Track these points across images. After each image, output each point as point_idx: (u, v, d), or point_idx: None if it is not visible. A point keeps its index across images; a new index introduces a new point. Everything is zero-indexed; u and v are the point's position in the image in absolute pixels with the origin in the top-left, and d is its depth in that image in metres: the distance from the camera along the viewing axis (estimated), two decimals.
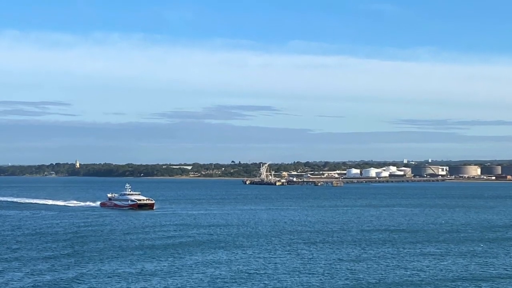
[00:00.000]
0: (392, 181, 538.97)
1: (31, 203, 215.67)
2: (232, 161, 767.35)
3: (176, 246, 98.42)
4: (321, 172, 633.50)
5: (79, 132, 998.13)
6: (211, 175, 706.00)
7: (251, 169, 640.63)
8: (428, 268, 78.31)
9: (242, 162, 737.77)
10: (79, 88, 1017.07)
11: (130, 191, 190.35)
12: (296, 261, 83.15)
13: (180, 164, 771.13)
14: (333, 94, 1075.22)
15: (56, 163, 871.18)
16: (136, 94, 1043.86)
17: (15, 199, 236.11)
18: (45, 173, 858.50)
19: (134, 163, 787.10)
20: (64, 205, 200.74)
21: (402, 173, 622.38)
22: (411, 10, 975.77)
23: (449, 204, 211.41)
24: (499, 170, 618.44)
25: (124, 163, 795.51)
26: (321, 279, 71.50)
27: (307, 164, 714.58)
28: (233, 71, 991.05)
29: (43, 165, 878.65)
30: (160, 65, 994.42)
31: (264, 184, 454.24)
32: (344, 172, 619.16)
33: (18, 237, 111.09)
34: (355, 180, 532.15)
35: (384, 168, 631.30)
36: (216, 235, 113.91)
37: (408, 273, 75.39)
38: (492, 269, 78.56)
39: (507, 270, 77.54)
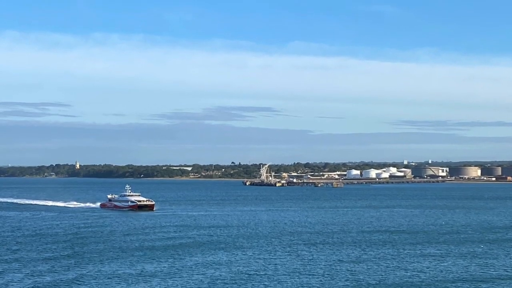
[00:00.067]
0: (392, 182, 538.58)
1: (31, 204, 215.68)
2: (232, 162, 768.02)
3: (176, 247, 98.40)
4: (321, 173, 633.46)
5: (79, 133, 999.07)
6: (211, 176, 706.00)
7: (251, 170, 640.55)
8: (428, 269, 78.29)
9: (242, 163, 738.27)
10: (79, 89, 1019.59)
11: (130, 192, 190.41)
12: (296, 262, 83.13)
13: (180, 165, 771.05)
14: (333, 95, 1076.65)
15: (56, 164, 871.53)
16: (136, 95, 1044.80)
17: (15, 200, 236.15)
18: (45, 174, 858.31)
19: (134, 164, 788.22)
20: (64, 206, 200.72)
21: (402, 174, 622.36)
22: (411, 11, 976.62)
23: (449, 205, 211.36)
24: (499, 171, 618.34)
25: (124, 164, 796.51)
26: (321, 280, 71.48)
27: (307, 165, 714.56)
28: (233, 72, 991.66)
29: (43, 166, 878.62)
30: (160, 66, 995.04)
31: (264, 185, 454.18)
32: (344, 173, 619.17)
33: (18, 238, 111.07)
34: (355, 181, 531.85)
35: (384, 169, 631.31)
36: (216, 236, 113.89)
37: (408, 274, 75.37)
38: (492, 270, 78.54)
39: (507, 271, 77.52)
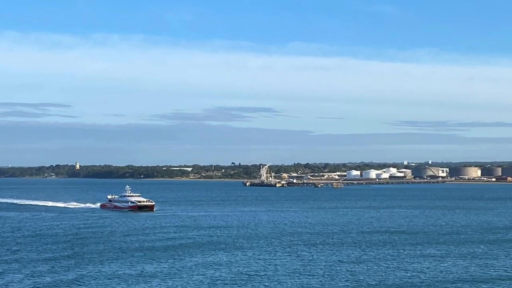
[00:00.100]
0: (392, 183, 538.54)
1: (31, 204, 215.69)
2: (232, 163, 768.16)
3: (176, 247, 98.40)
4: (321, 173, 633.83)
5: (79, 133, 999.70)
6: (211, 177, 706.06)
7: (251, 171, 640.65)
8: (428, 270, 78.29)
9: (242, 164, 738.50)
10: (79, 90, 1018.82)
11: (130, 193, 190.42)
12: (296, 263, 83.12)
13: (180, 166, 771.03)
14: (333, 96, 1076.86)
15: (56, 165, 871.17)
16: (136, 95, 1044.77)
17: (15, 201, 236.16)
18: (45, 174, 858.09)
19: (134, 165, 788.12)
20: (64, 207, 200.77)
21: (402, 174, 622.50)
22: (411, 11, 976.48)
23: (449, 205, 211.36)
24: (499, 171, 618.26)
25: (124, 165, 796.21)
26: (321, 281, 71.48)
27: (307, 165, 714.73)
28: (233, 73, 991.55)
29: (43, 166, 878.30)
30: (160, 66, 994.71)
31: (264, 185, 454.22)
32: (344, 173, 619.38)
33: (18, 239, 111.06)
34: (355, 182, 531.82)
35: (384, 170, 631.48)
36: (216, 236, 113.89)
37: (408, 274, 75.37)
38: (493, 270, 78.54)
39: (507, 272, 77.51)
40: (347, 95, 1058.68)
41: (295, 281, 71.04)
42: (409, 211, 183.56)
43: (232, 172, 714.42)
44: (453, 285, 69.90)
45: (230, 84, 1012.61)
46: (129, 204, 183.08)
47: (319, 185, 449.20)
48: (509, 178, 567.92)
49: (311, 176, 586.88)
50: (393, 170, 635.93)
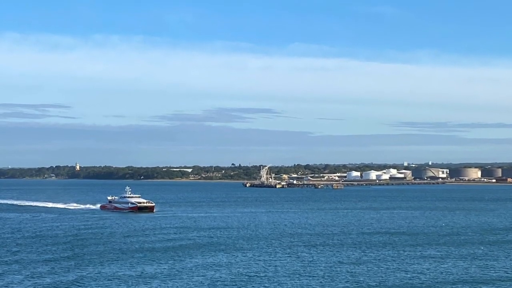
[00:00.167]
0: (392, 184, 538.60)
1: (31, 205, 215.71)
2: (232, 164, 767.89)
3: (176, 248, 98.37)
4: (321, 174, 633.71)
5: (79, 134, 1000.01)
6: (211, 178, 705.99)
7: (251, 172, 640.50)
8: (428, 271, 78.25)
9: (242, 165, 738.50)
10: (79, 91, 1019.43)
11: (130, 194, 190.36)
12: (297, 264, 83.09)
13: (180, 167, 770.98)
14: (333, 97, 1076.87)
15: (56, 166, 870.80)
16: (136, 96, 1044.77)
17: (15, 202, 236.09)
18: (45, 175, 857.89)
19: (134, 166, 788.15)
20: (64, 208, 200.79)
21: (402, 175, 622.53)
22: (411, 12, 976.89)
23: (449, 206, 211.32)
24: (499, 172, 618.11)
25: (124, 166, 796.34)
26: (321, 282, 71.45)
27: (307, 166, 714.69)
28: (233, 74, 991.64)
29: (43, 167, 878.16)
30: (160, 67, 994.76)
31: (264, 186, 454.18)
32: (344, 174, 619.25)
33: (18, 240, 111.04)
34: (355, 183, 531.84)
35: (384, 171, 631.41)
36: (216, 237, 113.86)
37: (409, 276, 75.34)
38: (493, 271, 78.50)
39: (507, 273, 77.47)
40: (347, 96, 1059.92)
41: (295, 282, 71.01)
42: (409, 212, 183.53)
43: (232, 173, 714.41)
44: (453, 286, 69.86)
45: (230, 85, 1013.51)
46: (129, 205, 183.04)
47: (319, 186, 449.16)
48: (509, 179, 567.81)
49: (311, 177, 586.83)
50: (393, 171, 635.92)
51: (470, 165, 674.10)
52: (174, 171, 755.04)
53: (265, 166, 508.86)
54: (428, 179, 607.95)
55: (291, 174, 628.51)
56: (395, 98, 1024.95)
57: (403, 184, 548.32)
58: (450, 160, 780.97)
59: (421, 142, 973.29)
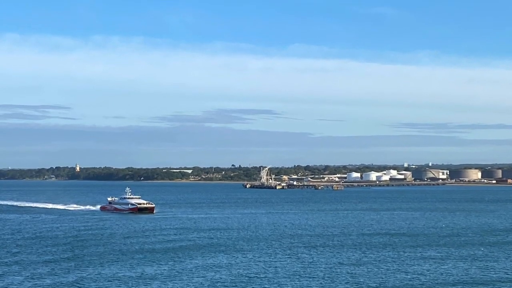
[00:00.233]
0: (392, 185, 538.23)
1: (31, 206, 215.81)
2: (232, 165, 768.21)
3: (176, 250, 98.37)
4: (321, 175, 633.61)
5: (79, 135, 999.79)
6: (211, 179, 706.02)
7: (251, 173, 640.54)
8: (428, 272, 78.24)
9: (242, 166, 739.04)
10: (79, 92, 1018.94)
11: (130, 195, 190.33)
12: (297, 265, 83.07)
13: (180, 168, 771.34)
14: (333, 98, 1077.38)
15: (56, 167, 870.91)
16: (136, 97, 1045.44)
17: (15, 203, 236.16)
18: (45, 176, 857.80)
19: (134, 167, 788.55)
20: (64, 209, 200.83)
21: (402, 176, 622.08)
22: (412, 14, 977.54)
23: (449, 208, 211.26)
24: (499, 174, 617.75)
25: (124, 167, 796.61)
26: (321, 283, 71.43)
27: (307, 167, 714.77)
28: (233, 75, 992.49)
29: (43, 168, 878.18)
30: (160, 68, 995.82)
31: (265, 187, 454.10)
32: (345, 175, 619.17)
33: (18, 241, 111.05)
34: (355, 184, 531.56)
35: (384, 172, 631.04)
36: (216, 239, 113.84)
37: (409, 277, 75.33)
38: (493, 272, 78.49)
39: (507, 274, 77.46)
40: (347, 97, 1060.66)
41: (295, 283, 71.00)
42: (409, 213, 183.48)
43: (232, 174, 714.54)
44: (454, 287, 69.84)
45: (230, 86, 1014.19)
46: (129, 206, 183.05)
47: (319, 187, 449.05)
48: (509, 180, 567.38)
49: (311, 178, 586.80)
50: (394, 172, 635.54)
51: (470, 166, 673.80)
52: (174, 172, 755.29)
53: (265, 167, 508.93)
54: (428, 180, 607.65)
55: (291, 175, 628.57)
56: (395, 99, 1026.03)
57: (403, 185, 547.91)
58: (450, 161, 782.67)
59: (421, 143, 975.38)
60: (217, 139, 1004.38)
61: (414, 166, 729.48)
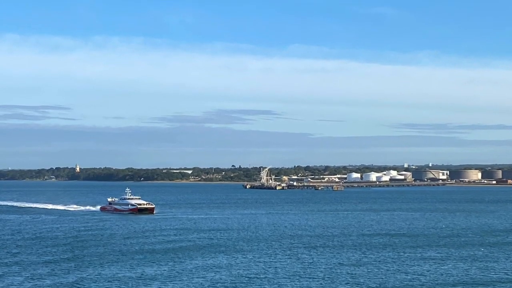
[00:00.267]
0: (392, 186, 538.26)
1: (31, 207, 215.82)
2: (233, 165, 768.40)
3: (176, 250, 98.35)
4: (321, 176, 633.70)
5: (79, 136, 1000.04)
6: (211, 180, 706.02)
7: (251, 173, 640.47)
8: (428, 273, 78.22)
9: (242, 166, 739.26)
10: (79, 92, 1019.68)
11: (130, 196, 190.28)
12: (297, 266, 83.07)
13: (180, 169, 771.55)
14: (333, 98, 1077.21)
15: (56, 168, 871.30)
16: (136, 98, 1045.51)
17: (15, 204, 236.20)
18: (45, 177, 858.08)
19: (134, 168, 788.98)
20: (64, 210, 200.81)
21: (402, 177, 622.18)
22: (412, 14, 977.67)
23: (449, 208, 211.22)
24: (499, 174, 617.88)
25: (124, 168, 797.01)
26: (321, 284, 71.43)
27: (307, 168, 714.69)
28: (233, 75, 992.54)
29: (43, 169, 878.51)
30: (160, 69, 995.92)
31: (265, 188, 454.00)
32: (345, 176, 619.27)
33: (18, 242, 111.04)
34: (355, 185, 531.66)
35: (384, 173, 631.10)
36: (216, 239, 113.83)
37: (409, 277, 75.31)
38: (493, 273, 78.47)
39: (507, 275, 77.43)
40: (347, 97, 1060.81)
41: (295, 284, 70.99)
42: (409, 213, 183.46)
43: (232, 175, 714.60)
44: None
45: (230, 87, 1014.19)
46: (129, 206, 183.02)
47: (320, 188, 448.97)
48: (509, 181, 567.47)
49: (311, 178, 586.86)
50: (394, 173, 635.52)
51: (470, 167, 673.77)
52: (174, 172, 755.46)
53: (265, 167, 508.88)
54: (428, 180, 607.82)
55: (291, 175, 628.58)
56: (395, 100, 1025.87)
57: (403, 185, 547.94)
58: (450, 161, 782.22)
59: (421, 143, 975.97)
60: (217, 139, 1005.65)
61: (414, 167, 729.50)
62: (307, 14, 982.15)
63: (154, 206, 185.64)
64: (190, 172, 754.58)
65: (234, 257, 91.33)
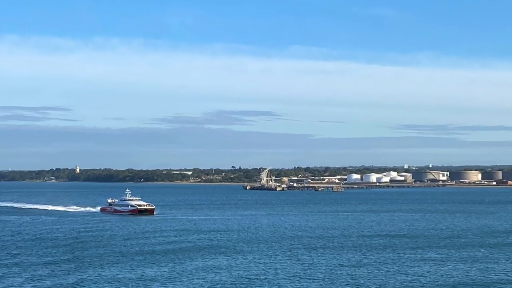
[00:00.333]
0: (392, 187, 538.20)
1: (31, 208, 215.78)
2: (233, 166, 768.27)
3: (176, 251, 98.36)
4: (321, 177, 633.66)
5: (79, 137, 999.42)
6: (211, 181, 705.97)
7: (251, 174, 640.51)
8: (428, 274, 78.21)
9: (242, 167, 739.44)
10: (79, 93, 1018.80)
11: (130, 197, 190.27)
12: (297, 267, 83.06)
13: (181, 170, 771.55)
14: (333, 99, 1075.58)
15: (56, 169, 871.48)
16: (137, 99, 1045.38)
17: (15, 205, 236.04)
18: (45, 178, 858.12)
19: (134, 169, 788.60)
20: (64, 211, 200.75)
21: (402, 178, 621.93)
22: (412, 15, 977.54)
23: (449, 209, 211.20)
24: (500, 175, 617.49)
25: (124, 169, 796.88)
26: (321, 285, 71.42)
27: (307, 169, 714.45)
28: (233, 76, 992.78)
29: (43, 170, 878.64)
30: (161, 70, 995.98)
31: (265, 189, 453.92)
32: (345, 177, 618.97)
33: (18, 243, 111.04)
34: (355, 186, 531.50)
35: (384, 174, 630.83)
36: (216, 240, 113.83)
37: (409, 278, 75.30)
38: (493, 274, 78.47)
39: (507, 276, 77.44)
40: (347, 98, 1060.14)
41: (295, 285, 70.99)
42: (409, 214, 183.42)
43: (232, 176, 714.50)
44: None
45: (231, 88, 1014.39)
46: (129, 208, 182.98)
47: (320, 189, 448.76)
48: (509, 182, 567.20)
49: (312, 179, 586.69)
50: (394, 174, 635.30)
51: (470, 168, 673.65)
52: (174, 173, 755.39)
53: (265, 168, 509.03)
54: (429, 181, 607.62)
55: (291, 176, 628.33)
56: (396, 101, 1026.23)
57: (403, 186, 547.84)
58: (451, 162, 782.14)
59: (422, 144, 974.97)
60: (217, 140, 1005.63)
61: (414, 168, 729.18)
62: (307, 15, 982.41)
63: (154, 207, 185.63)
64: (190, 173, 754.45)
65: (234, 258, 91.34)
